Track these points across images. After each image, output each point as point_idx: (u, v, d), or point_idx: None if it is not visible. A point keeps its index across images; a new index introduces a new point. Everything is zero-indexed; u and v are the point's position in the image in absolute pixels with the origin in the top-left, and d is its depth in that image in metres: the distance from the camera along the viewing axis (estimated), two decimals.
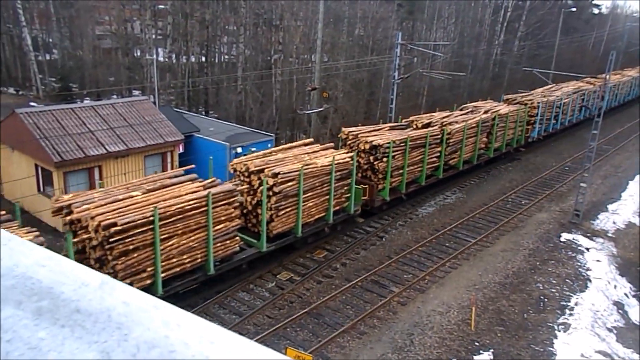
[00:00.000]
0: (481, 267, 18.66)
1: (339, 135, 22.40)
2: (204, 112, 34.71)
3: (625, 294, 18.20)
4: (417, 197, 24.29)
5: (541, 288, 17.69)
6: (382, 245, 19.98)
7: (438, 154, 24.08)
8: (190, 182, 14.92)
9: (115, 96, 30.89)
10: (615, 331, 16.10)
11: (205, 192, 14.00)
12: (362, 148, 20.99)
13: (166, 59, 35.40)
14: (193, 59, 36.56)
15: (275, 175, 16.09)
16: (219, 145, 21.86)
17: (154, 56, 28.56)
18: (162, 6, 35.30)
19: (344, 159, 18.73)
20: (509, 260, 19.34)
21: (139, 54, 35.65)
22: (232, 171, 17.22)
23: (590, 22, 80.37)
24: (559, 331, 15.56)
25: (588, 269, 19.33)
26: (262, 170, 16.41)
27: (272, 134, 25.21)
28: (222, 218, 14.68)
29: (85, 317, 0.89)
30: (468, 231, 21.55)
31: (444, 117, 25.77)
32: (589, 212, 24.23)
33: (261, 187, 15.93)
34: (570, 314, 16.39)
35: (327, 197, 18.37)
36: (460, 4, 52.49)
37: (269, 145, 22.50)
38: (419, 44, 35.73)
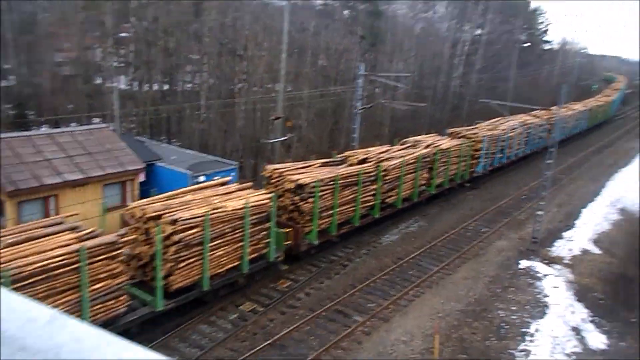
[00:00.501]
0: (444, 295, 18.81)
1: (262, 173, 20.51)
2: (166, 141, 34.29)
3: (583, 320, 18.63)
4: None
5: (502, 315, 17.93)
6: (346, 274, 19.93)
7: (373, 192, 22.42)
8: (68, 232, 12.76)
9: (74, 124, 30.20)
10: (573, 357, 16.40)
11: (77, 247, 11.96)
12: (287, 187, 19.17)
13: (128, 87, 34.97)
14: (156, 87, 36.24)
15: (174, 222, 14.05)
16: (181, 174, 21.56)
17: (116, 84, 28.15)
18: (125, 34, 35.06)
19: (261, 200, 16.78)
20: (470, 287, 19.57)
21: (100, 81, 35.13)
22: (128, 217, 15.19)
23: (542, 56, 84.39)
24: (520, 358, 15.73)
25: (546, 296, 19.75)
26: (161, 216, 14.39)
27: (236, 163, 25.07)
28: (102, 275, 12.57)
29: (31, 355, 0.84)
30: (431, 259, 21.77)
31: (381, 153, 24.41)
32: (546, 240, 24.90)
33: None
34: (531, 341, 16.64)
35: (241, 244, 16.27)
36: (420, 37, 54.19)
37: (232, 173, 22.33)
38: (381, 75, 36.55)
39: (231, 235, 15.87)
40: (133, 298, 14.13)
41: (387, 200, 23.68)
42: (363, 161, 23.10)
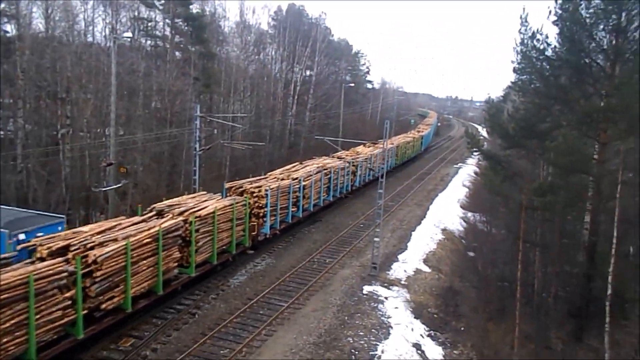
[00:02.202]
0: (295, 330, 18.98)
1: None
2: None
3: (421, 335, 20.22)
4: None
5: (352, 342, 18.63)
6: (195, 322, 19.06)
7: (70, 302, 14.08)
8: None
9: None
10: None
11: None
12: None
13: None
14: None
15: None
16: None
17: None
18: None
19: None
20: (320, 319, 20.05)
21: None
22: None
23: (366, 95, 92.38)
24: None
25: (389, 317, 21.06)
26: None
27: (62, 216, 22.76)
28: None
29: None
30: (280, 296, 21.89)
31: (97, 234, 16.25)
32: (384, 264, 26.70)
33: None
34: None
35: None
36: (254, 78, 55.66)
37: (59, 228, 20.20)
38: (218, 116, 36.56)
39: None
40: None
41: (104, 306, 15.49)
42: (63, 251, 14.83)
